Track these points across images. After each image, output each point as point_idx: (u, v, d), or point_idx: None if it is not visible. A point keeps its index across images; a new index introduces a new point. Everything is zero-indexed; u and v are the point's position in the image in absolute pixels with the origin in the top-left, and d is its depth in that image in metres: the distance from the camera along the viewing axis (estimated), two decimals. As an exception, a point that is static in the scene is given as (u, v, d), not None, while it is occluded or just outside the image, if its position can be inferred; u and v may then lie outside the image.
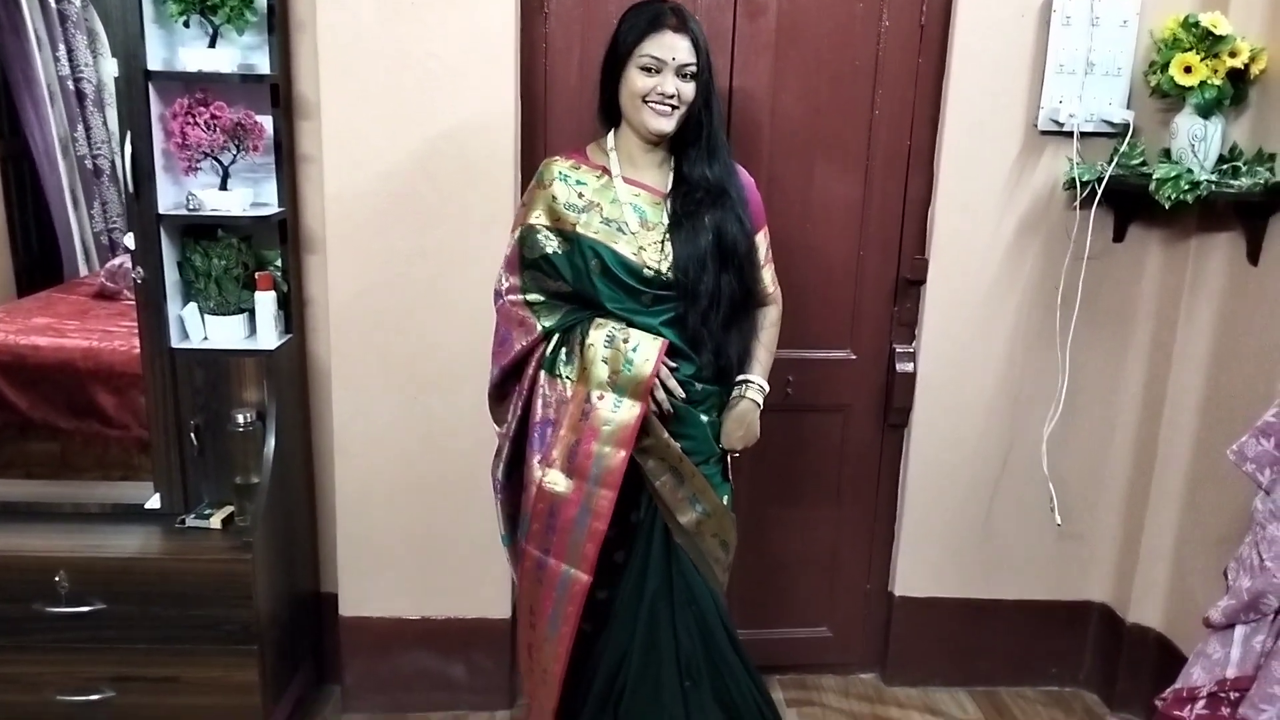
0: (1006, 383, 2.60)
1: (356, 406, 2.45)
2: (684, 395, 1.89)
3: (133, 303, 2.43)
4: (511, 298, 1.95)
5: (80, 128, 2.79)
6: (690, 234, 1.87)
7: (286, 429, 2.40)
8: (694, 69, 1.84)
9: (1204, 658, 1.90)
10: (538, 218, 1.91)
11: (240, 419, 2.36)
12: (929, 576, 2.75)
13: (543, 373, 1.90)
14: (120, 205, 2.85)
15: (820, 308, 2.56)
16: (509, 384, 1.98)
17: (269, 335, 2.33)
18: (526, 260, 1.92)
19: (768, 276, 2.05)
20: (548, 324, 1.91)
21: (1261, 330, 2.27)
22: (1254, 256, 2.30)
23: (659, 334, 1.89)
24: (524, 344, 1.91)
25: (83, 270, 2.86)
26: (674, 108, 1.84)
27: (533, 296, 1.93)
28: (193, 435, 2.39)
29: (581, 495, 1.85)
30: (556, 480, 1.87)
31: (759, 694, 2.05)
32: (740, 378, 2.00)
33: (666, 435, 1.89)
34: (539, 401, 1.90)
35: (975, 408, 2.62)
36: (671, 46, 1.82)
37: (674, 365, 1.88)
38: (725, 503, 2.01)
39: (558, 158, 1.95)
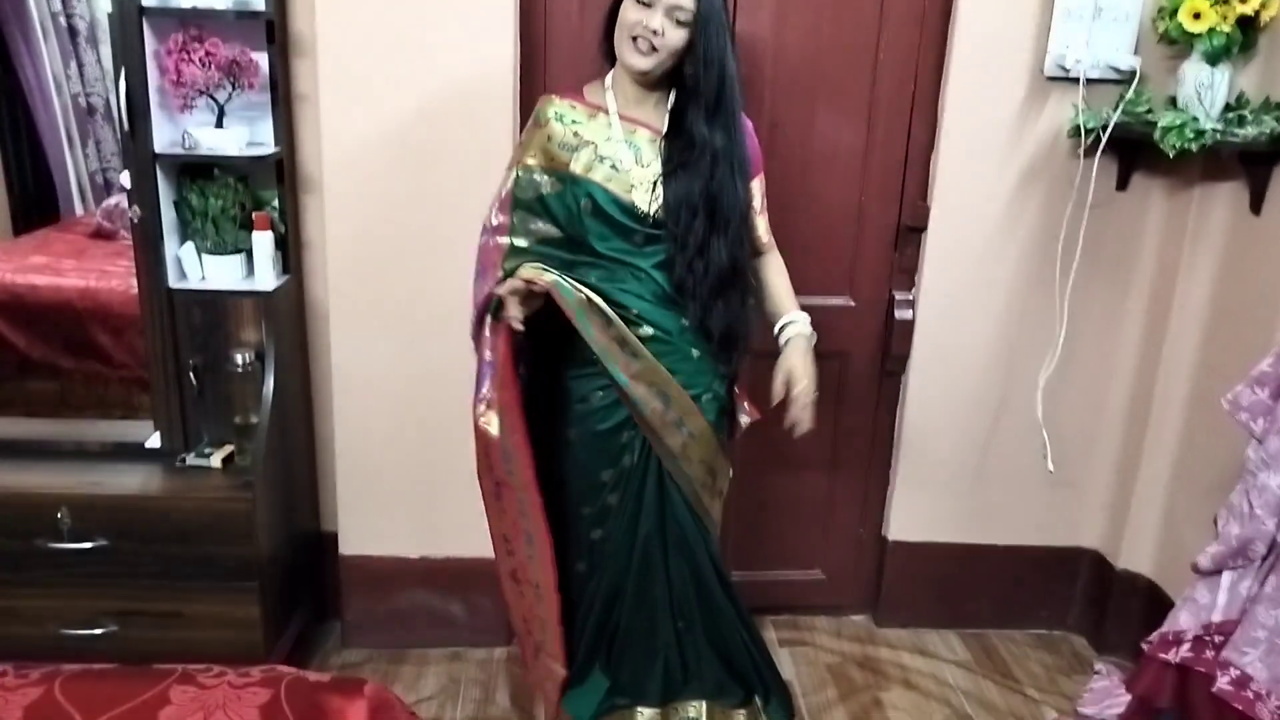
0: (1004, 330, 2.61)
1: (355, 348, 2.46)
2: (526, 286, 1.82)
3: (129, 242, 2.42)
4: (499, 238, 1.92)
5: (73, 65, 2.76)
6: (684, 182, 1.85)
7: (285, 370, 2.40)
8: (687, 15, 1.78)
9: (1191, 602, 1.93)
10: (532, 157, 1.89)
11: (239, 359, 2.37)
12: (923, 521, 2.78)
13: (489, 316, 1.91)
14: (115, 144, 2.83)
15: (820, 254, 2.55)
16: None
17: (267, 276, 2.33)
18: (518, 200, 1.90)
19: (762, 226, 2.04)
20: (507, 267, 1.90)
21: (1262, 280, 2.27)
22: (1257, 206, 2.29)
23: (650, 276, 1.90)
24: (489, 288, 1.90)
25: (78, 209, 2.85)
26: (653, 48, 1.80)
27: (518, 242, 1.91)
28: (192, 375, 2.39)
29: (500, 438, 1.91)
30: (490, 421, 1.91)
31: (750, 637, 2.09)
32: (780, 322, 1.99)
33: (652, 358, 1.88)
34: (485, 345, 1.92)
35: (973, 355, 2.63)
36: None
37: (546, 279, 1.83)
38: (724, 439, 2.02)
39: (554, 96, 1.93)
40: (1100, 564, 2.78)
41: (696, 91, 1.84)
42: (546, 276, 1.83)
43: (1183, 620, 1.93)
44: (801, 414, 1.94)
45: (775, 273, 2.07)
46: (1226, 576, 1.86)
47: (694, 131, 1.85)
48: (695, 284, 1.89)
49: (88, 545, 2.21)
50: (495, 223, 1.93)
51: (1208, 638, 1.87)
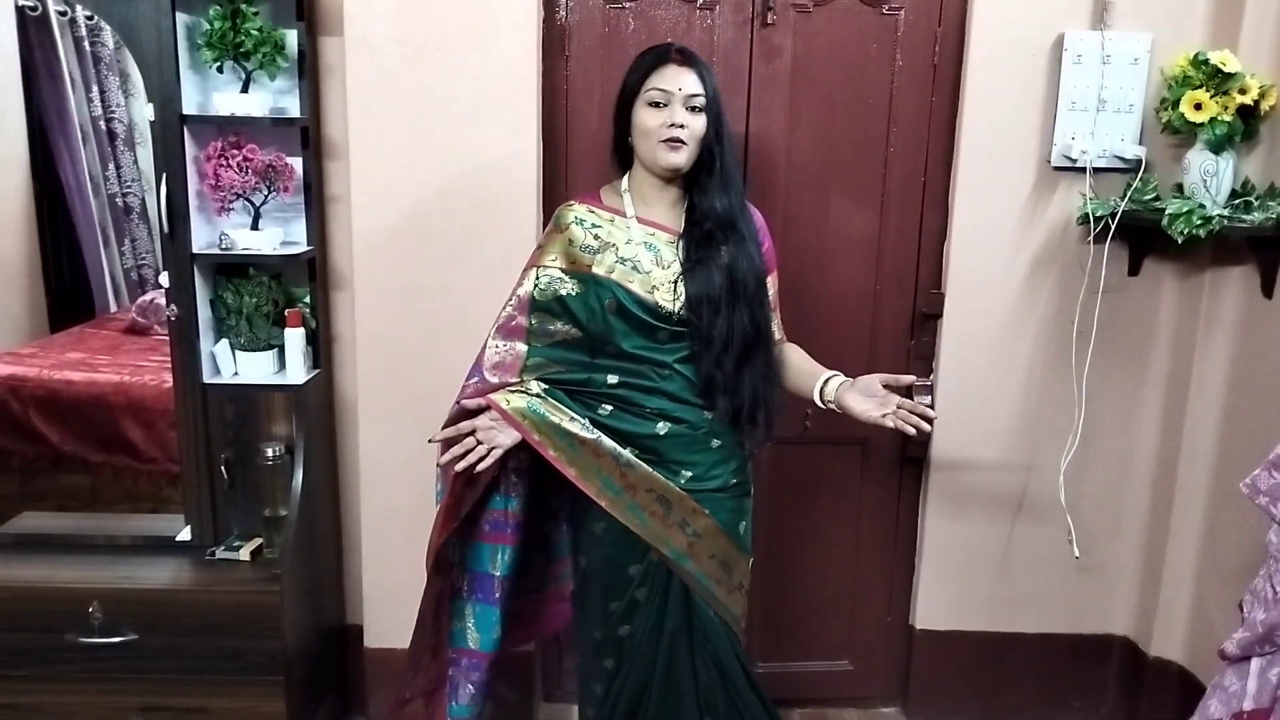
0: (1024, 416, 2.62)
1: (382, 440, 2.50)
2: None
3: (163, 337, 2.49)
4: (517, 344, 1.94)
5: (111, 166, 2.87)
6: (704, 276, 1.89)
7: (314, 462, 2.44)
8: (702, 101, 1.86)
9: (1221, 690, 1.90)
10: (553, 261, 1.94)
11: (269, 453, 2.41)
12: (949, 609, 2.75)
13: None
14: (149, 242, 2.92)
15: (838, 342, 2.59)
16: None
17: (298, 370, 2.39)
18: (537, 302, 1.94)
19: (775, 322, 2.05)
20: (529, 364, 1.94)
21: (1277, 363, 2.29)
22: (1268, 290, 2.32)
23: (675, 371, 1.93)
24: (494, 380, 1.93)
25: (112, 306, 2.92)
26: (683, 142, 1.86)
27: (535, 343, 1.94)
28: (223, 469, 2.44)
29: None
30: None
31: None
32: (822, 378, 1.96)
33: (645, 467, 1.91)
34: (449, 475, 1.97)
35: (993, 440, 2.64)
36: (677, 78, 1.85)
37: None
38: (742, 530, 2.02)
39: (573, 202, 1.98)
40: (1132, 651, 2.74)
41: (711, 169, 1.90)
42: (514, 402, 1.88)
43: (1213, 708, 1.90)
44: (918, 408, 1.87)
45: (798, 353, 2.08)
46: (1255, 663, 1.83)
47: (704, 206, 1.91)
48: (724, 379, 1.91)
49: (117, 640, 2.23)
50: (511, 324, 1.95)
51: (1240, 726, 1.84)
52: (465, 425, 1.87)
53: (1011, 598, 2.74)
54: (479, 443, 1.86)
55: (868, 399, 1.89)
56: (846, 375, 1.97)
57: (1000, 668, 2.78)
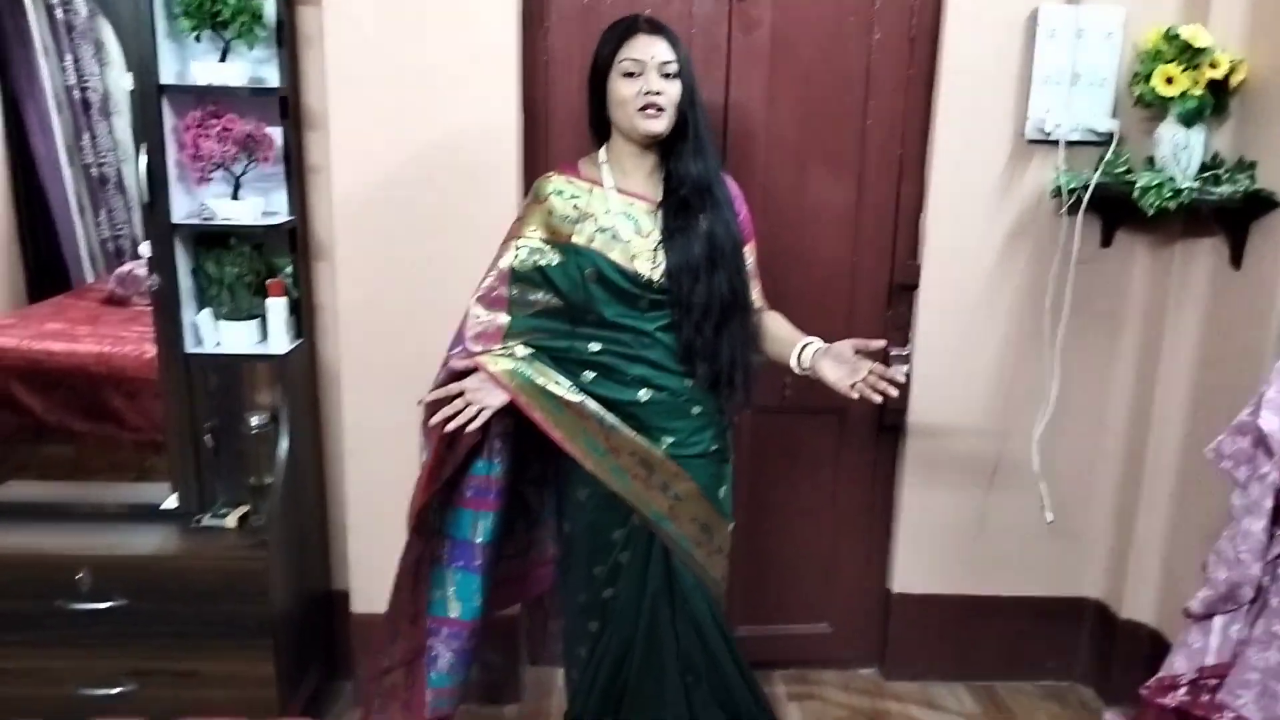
0: (998, 384, 2.67)
1: (366, 408, 2.52)
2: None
3: (142, 308, 2.49)
4: (499, 315, 1.96)
5: (86, 136, 2.84)
6: (684, 244, 1.91)
7: (298, 431, 2.46)
8: (675, 67, 1.88)
9: (1185, 647, 1.96)
10: (533, 232, 1.96)
11: (253, 421, 2.43)
12: (926, 573, 2.81)
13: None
14: (126, 213, 2.91)
15: (815, 312, 2.59)
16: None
17: (280, 340, 2.40)
18: (517, 273, 1.96)
19: (755, 290, 2.07)
20: (510, 329, 1.96)
21: (1244, 332, 2.34)
22: (1236, 261, 2.36)
23: (656, 340, 1.95)
24: (477, 349, 1.94)
25: (88, 277, 2.90)
26: (661, 109, 1.87)
27: (516, 312, 1.96)
28: (208, 437, 2.45)
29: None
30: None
31: (753, 693, 2.10)
32: (799, 344, 1.97)
33: (628, 431, 1.93)
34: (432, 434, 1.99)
35: (968, 409, 2.69)
36: (649, 47, 1.87)
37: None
38: (722, 494, 2.05)
39: (552, 174, 1.99)
40: (1104, 614, 2.81)
41: (686, 134, 1.92)
42: (502, 364, 1.90)
43: (1178, 665, 1.96)
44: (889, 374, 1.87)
45: (777, 321, 2.10)
46: (1218, 620, 1.90)
47: (680, 171, 1.93)
48: (703, 344, 1.94)
49: (106, 605, 2.25)
50: (493, 295, 1.97)
51: (1203, 681, 1.90)
52: (454, 386, 1.89)
53: (986, 562, 2.80)
54: (467, 404, 1.88)
55: (840, 366, 1.91)
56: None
57: (975, 630, 2.84)
